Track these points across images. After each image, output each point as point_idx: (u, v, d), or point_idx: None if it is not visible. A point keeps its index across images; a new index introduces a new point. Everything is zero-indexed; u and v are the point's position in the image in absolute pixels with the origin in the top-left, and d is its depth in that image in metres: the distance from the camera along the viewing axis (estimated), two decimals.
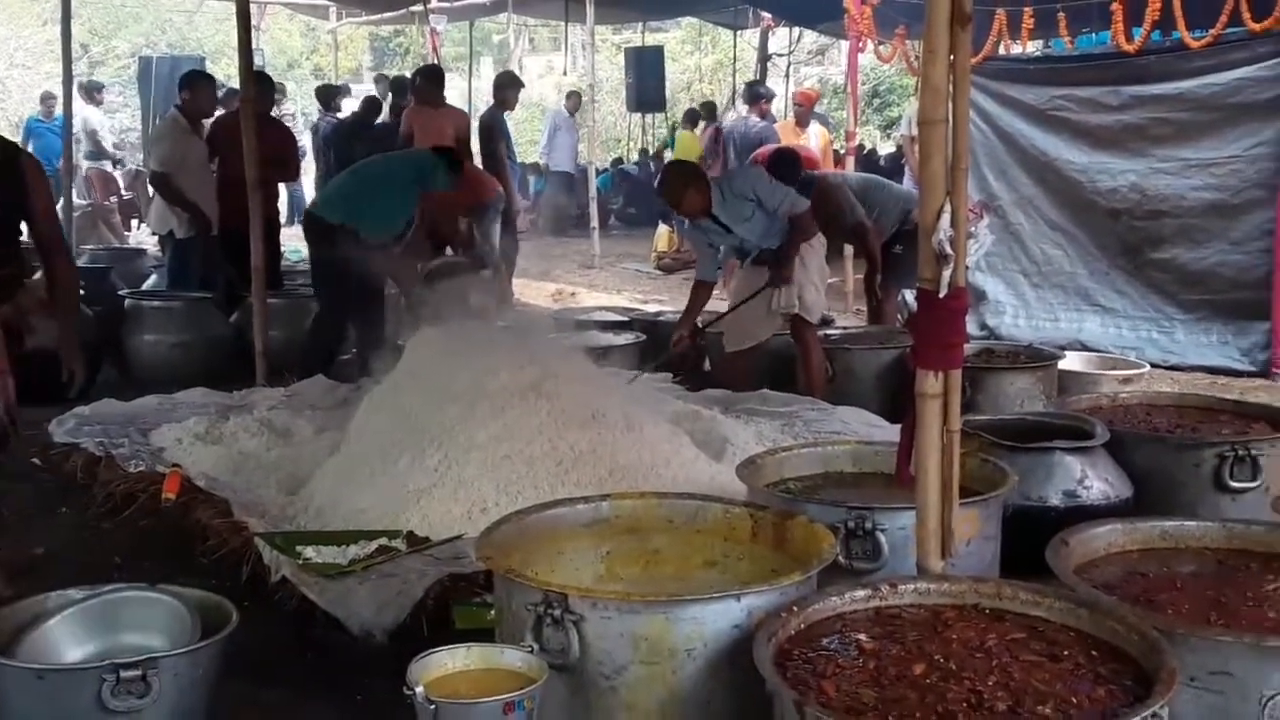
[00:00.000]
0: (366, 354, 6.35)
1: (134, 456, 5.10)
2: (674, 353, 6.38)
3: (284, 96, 14.28)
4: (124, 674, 2.68)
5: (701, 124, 15.04)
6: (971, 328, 8.16)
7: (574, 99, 16.54)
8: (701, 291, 6.40)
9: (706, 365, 7.64)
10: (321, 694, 3.40)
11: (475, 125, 10.42)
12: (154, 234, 9.02)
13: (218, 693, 2.92)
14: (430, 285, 6.82)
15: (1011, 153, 8.54)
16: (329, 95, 14.89)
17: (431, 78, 9.91)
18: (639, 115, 20.71)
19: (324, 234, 6.63)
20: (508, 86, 10.31)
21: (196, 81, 8.47)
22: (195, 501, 4.54)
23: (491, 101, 10.68)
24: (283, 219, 10.44)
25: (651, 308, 9.95)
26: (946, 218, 2.62)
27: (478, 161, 10.08)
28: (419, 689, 2.35)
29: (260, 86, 7.64)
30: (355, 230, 6.52)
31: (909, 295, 7.85)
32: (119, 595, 3.07)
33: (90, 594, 3.07)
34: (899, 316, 7.82)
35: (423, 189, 6.71)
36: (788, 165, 8.22)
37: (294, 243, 13.60)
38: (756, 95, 11.84)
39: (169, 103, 9.01)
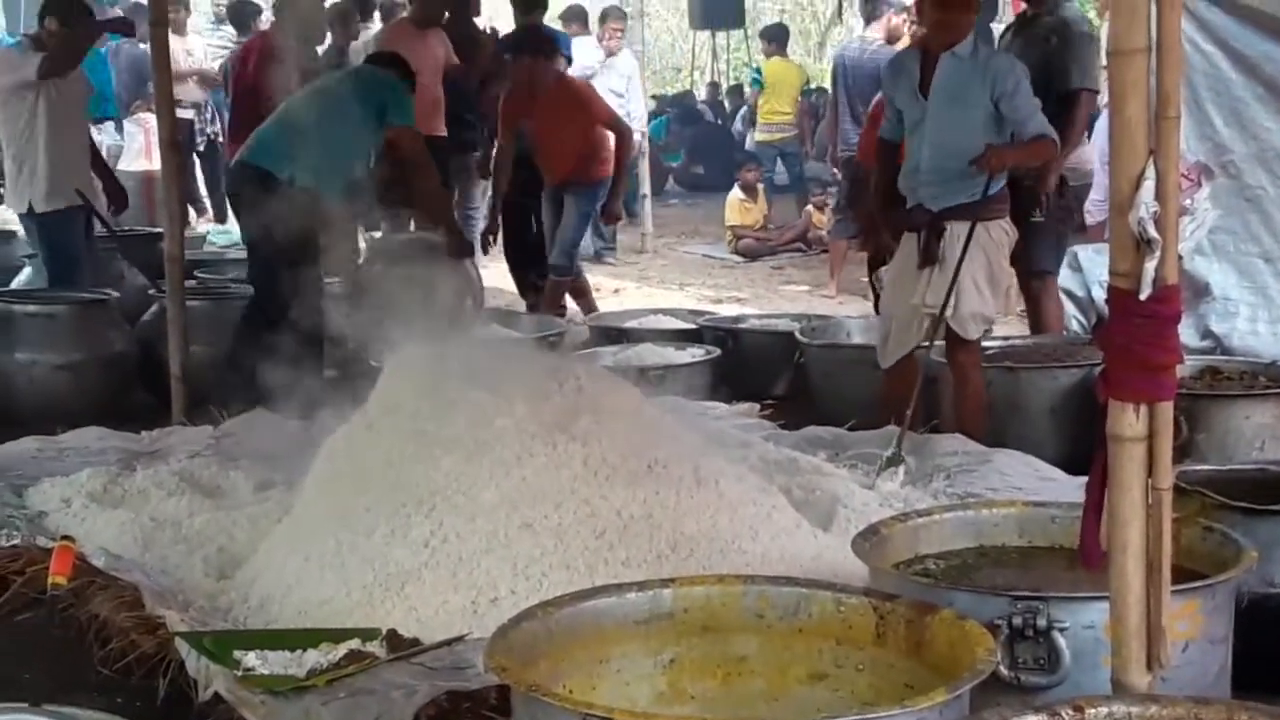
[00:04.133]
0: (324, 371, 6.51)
1: (5, 525, 5.19)
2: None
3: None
4: None
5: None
6: (1190, 336, 8.11)
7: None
8: (886, 154, 6.36)
9: (808, 390, 7.68)
10: None
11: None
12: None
13: None
14: (375, 270, 7.01)
15: (1251, 86, 8.46)
16: (243, 15, 14.87)
17: None
18: (707, 34, 20.85)
19: (258, 191, 6.86)
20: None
21: (71, 13, 8.34)
22: (91, 588, 4.62)
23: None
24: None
25: (728, 310, 10.01)
26: (1150, 185, 2.64)
27: None
28: None
29: None
30: (295, 183, 6.84)
31: (1098, 293, 7.84)
32: None
33: None
34: (1072, 322, 7.80)
35: (388, 123, 6.98)
36: None
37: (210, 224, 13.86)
38: (877, 8, 11.87)
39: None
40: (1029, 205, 7.16)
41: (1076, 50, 7.22)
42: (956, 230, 6.04)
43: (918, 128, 6.16)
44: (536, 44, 9.76)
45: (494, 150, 10.14)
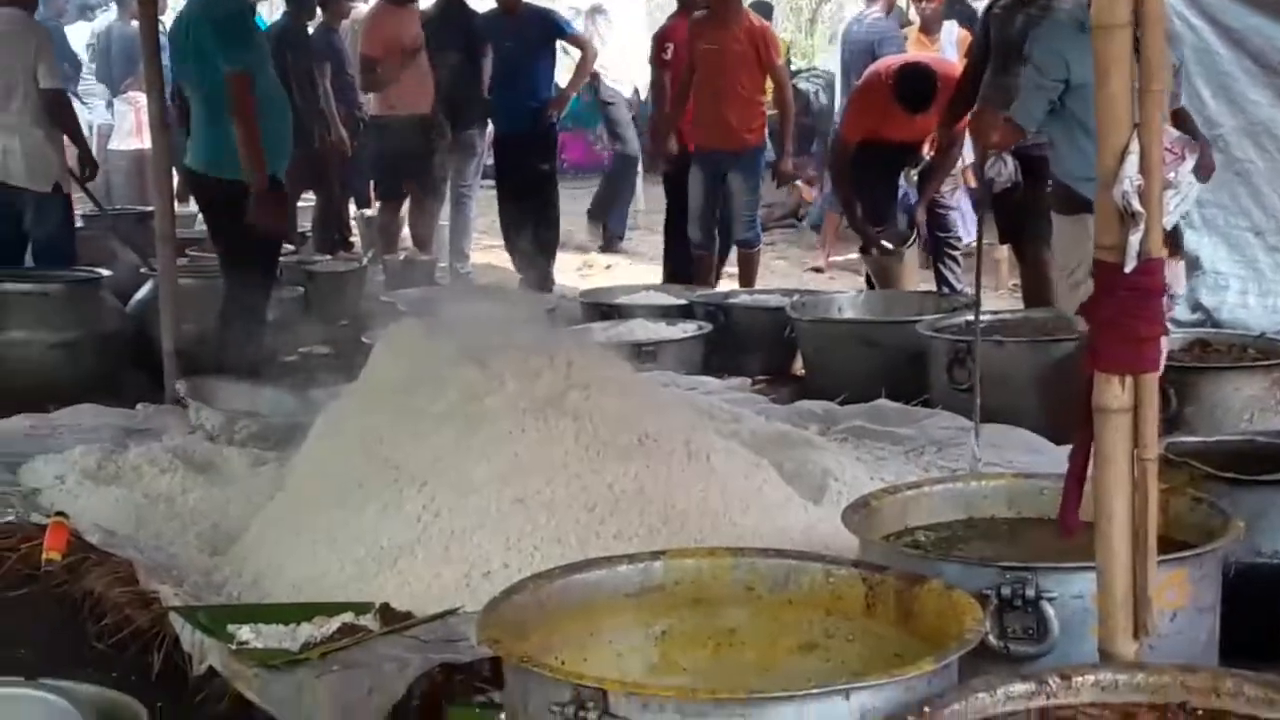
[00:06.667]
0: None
1: None
2: None
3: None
4: None
5: None
6: (1180, 310, 8.14)
7: None
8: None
9: (799, 366, 7.72)
10: None
11: None
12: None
13: None
14: None
15: (1239, 60, 8.47)
16: None
17: None
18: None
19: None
20: None
21: None
22: (86, 564, 4.65)
23: None
24: None
25: (721, 285, 10.02)
26: (1134, 160, 2.65)
27: None
28: None
29: None
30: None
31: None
32: None
33: None
34: None
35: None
36: (919, 85, 8.29)
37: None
38: None
39: None
40: (1046, 174, 7.16)
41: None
42: None
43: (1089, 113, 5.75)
44: None
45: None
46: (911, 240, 8.65)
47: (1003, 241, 8.99)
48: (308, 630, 4.00)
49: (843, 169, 9.09)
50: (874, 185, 8.99)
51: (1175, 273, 6.02)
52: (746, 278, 9.96)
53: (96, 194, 9.37)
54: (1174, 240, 5.87)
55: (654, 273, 11.43)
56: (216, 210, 7.04)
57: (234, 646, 3.92)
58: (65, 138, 8.36)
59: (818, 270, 11.97)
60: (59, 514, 4.97)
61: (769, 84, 9.99)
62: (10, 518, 5.13)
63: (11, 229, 8.29)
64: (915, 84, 8.48)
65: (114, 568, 4.59)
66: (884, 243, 8.71)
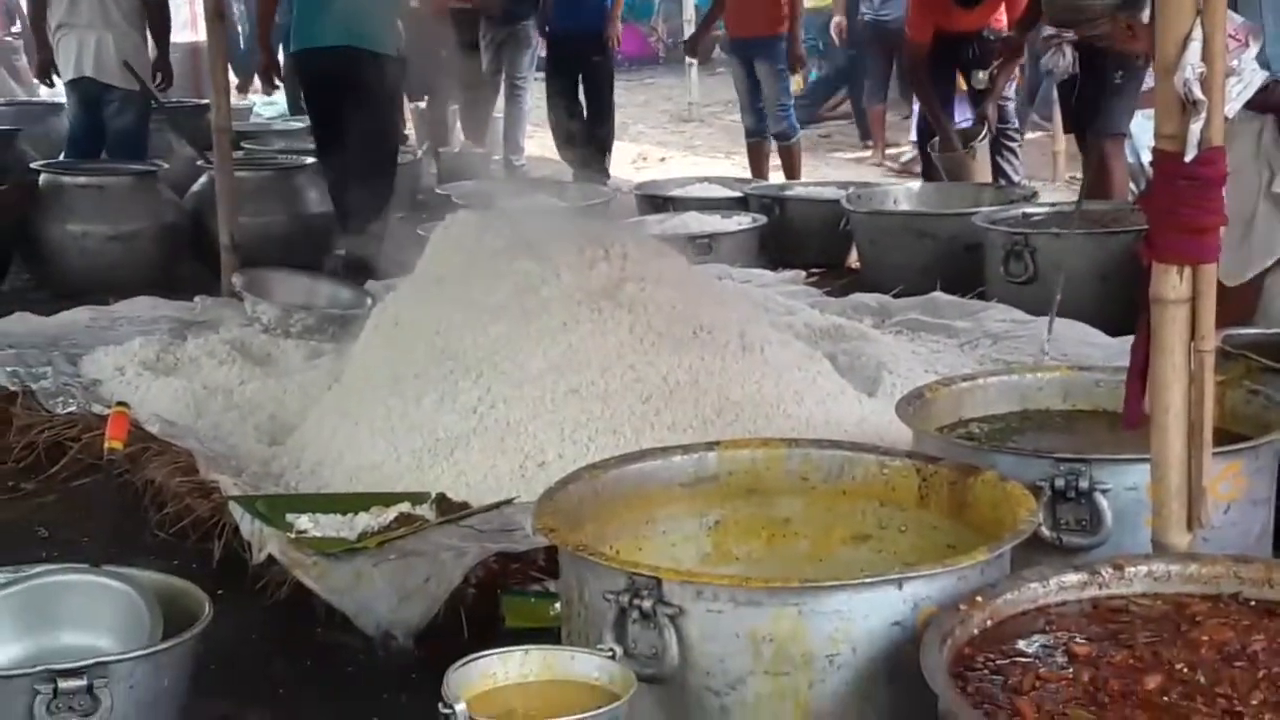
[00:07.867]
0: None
1: (61, 393, 5.31)
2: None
3: None
4: (63, 684, 2.81)
5: None
6: None
7: None
8: None
9: (854, 258, 7.69)
10: (325, 714, 3.54)
11: None
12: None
13: (186, 711, 3.05)
14: None
15: None
16: None
17: None
18: None
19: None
20: None
21: None
22: (147, 454, 4.71)
23: None
24: None
25: (775, 178, 9.98)
26: (1196, 47, 2.61)
27: None
28: (459, 707, 2.43)
29: None
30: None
31: (1147, 158, 7.77)
32: (51, 580, 3.21)
33: (12, 578, 3.21)
34: (1131, 187, 7.75)
35: None
36: None
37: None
38: None
39: None
40: (1114, 66, 7.08)
41: None
42: None
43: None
44: None
45: None
46: (984, 135, 8.56)
47: (1066, 132, 8.90)
48: (365, 520, 4.05)
49: (918, 71, 8.95)
50: (937, 78, 8.89)
51: (1249, 56, 5.73)
52: (789, 171, 9.90)
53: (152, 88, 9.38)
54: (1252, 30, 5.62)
55: (709, 165, 11.39)
56: (366, 86, 7.07)
57: (292, 535, 3.97)
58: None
59: (876, 164, 11.90)
60: (120, 403, 4.99)
61: None
62: (73, 409, 5.20)
63: (98, 122, 8.52)
64: None
65: (174, 458, 4.65)
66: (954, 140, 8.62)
